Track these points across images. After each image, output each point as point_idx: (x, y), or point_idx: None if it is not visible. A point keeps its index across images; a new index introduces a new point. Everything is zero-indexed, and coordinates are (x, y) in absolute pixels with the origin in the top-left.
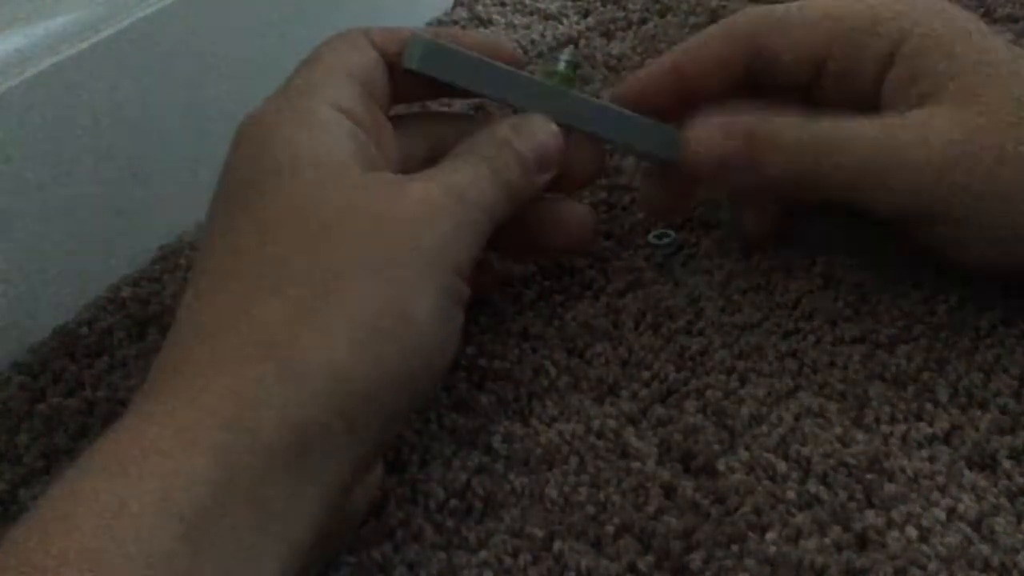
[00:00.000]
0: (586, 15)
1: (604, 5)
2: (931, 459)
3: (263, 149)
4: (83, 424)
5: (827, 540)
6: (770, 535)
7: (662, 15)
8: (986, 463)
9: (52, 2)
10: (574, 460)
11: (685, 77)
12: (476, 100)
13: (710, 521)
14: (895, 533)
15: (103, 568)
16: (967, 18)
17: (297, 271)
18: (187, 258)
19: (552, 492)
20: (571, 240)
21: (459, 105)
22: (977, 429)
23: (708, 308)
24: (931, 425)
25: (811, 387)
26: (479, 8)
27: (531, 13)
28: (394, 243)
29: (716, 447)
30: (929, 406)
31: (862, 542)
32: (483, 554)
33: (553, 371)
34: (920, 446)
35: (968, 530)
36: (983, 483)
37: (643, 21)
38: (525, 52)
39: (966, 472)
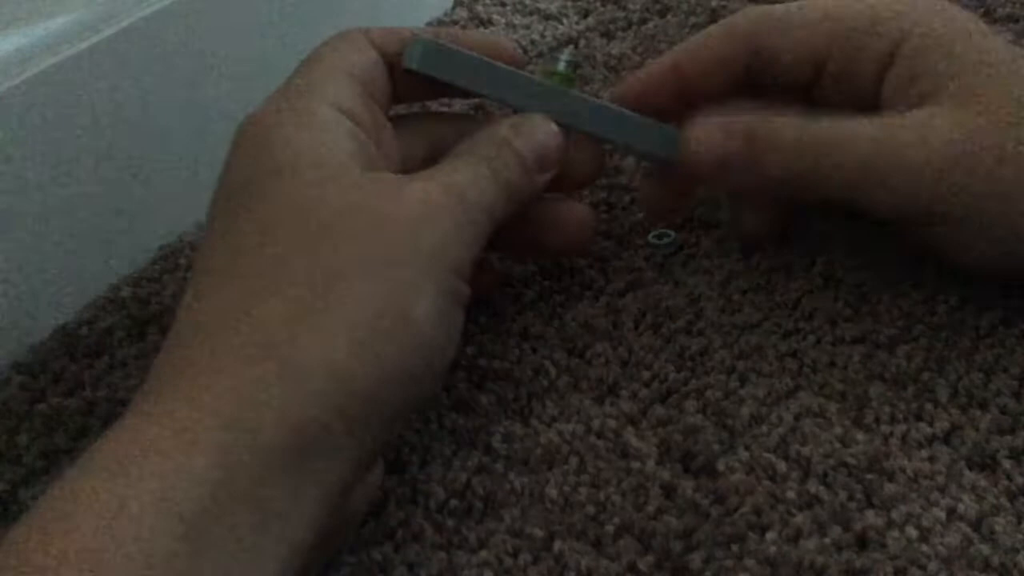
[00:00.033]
0: (586, 15)
1: (604, 5)
2: (931, 459)
3: (263, 149)
4: (83, 424)
5: (827, 540)
6: (770, 535)
7: (662, 15)
8: (986, 463)
9: (52, 2)
10: (574, 460)
11: (685, 77)
12: (476, 100)
13: (710, 521)
14: (895, 533)
15: (103, 568)
16: (967, 18)
17: (297, 271)
18: (187, 258)
19: (552, 492)
20: (571, 240)
21: (459, 105)
22: (977, 429)
23: (708, 308)
24: (931, 425)
25: (811, 387)
26: (479, 8)
27: (531, 13)
28: (394, 243)
29: (716, 447)
30: (929, 406)
31: (862, 542)
32: (483, 554)
33: (553, 371)
34: (920, 446)
35: (968, 530)
36: (983, 483)
37: (643, 21)
38: (525, 52)
39: (966, 472)
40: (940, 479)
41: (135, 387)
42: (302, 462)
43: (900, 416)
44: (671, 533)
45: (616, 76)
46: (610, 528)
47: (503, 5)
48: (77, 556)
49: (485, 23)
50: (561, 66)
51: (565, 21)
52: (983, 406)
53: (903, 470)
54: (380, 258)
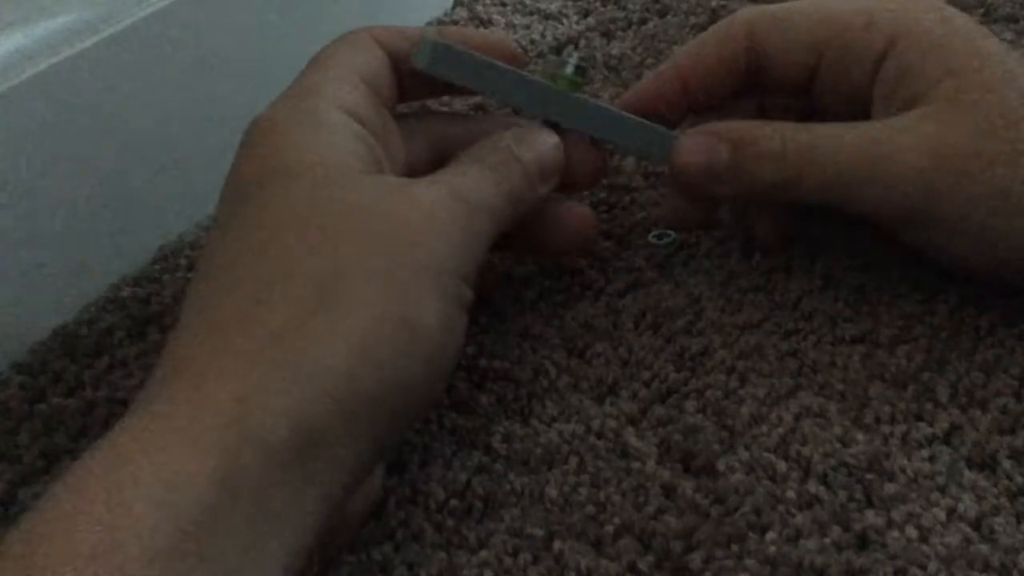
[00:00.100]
0: (586, 15)
1: (604, 5)
2: (931, 459)
3: (270, 151)
4: (83, 424)
5: (827, 540)
6: (770, 535)
7: (662, 15)
8: (986, 463)
9: (52, 2)
10: (574, 460)
11: (688, 81)
12: (476, 100)
13: (710, 521)
14: (895, 533)
15: (103, 568)
16: (963, 19)
17: (301, 273)
18: (187, 258)
19: (552, 492)
20: (571, 241)
21: (459, 104)
22: (977, 429)
23: (708, 308)
24: (931, 425)
25: (811, 387)
26: (479, 8)
27: (531, 13)
28: (400, 247)
29: (716, 447)
30: (929, 406)
31: (862, 542)
32: (483, 554)
33: (553, 371)
34: (920, 446)
35: (968, 530)
36: (983, 483)
37: (643, 21)
38: (525, 52)
39: (966, 472)
40: (940, 479)
41: (135, 387)
42: (303, 463)
43: (900, 416)
44: (671, 533)
45: (616, 76)
46: (610, 528)
47: (503, 5)
48: (77, 556)
49: (485, 23)
50: (569, 69)
51: (565, 21)
52: (983, 406)
53: (903, 470)
54: (385, 261)
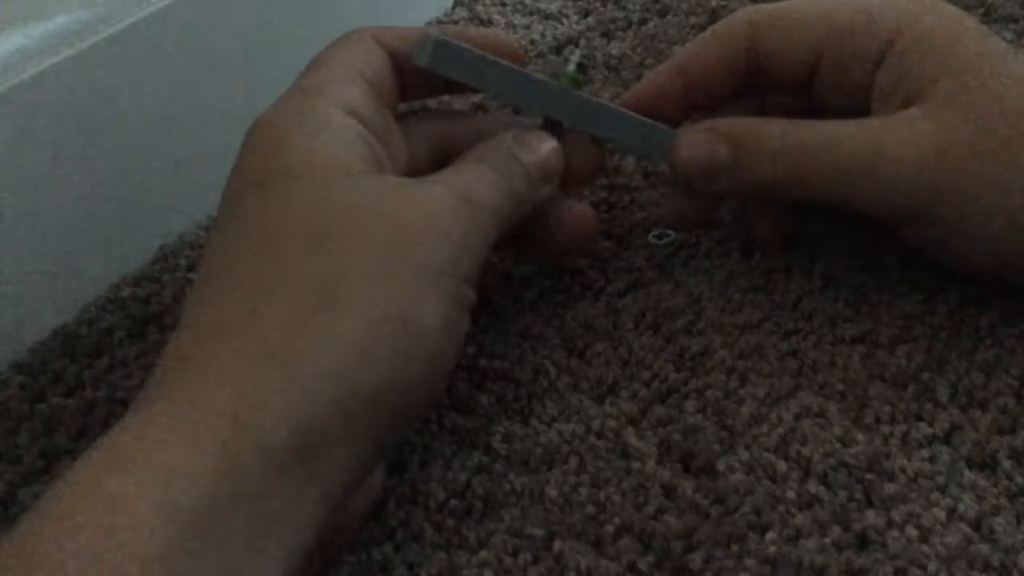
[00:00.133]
0: (586, 15)
1: (604, 5)
2: (931, 459)
3: (273, 151)
4: (83, 424)
5: (827, 540)
6: (770, 535)
7: (662, 15)
8: (986, 463)
9: (52, 2)
10: (574, 460)
11: (688, 81)
12: (477, 98)
13: (710, 521)
14: (895, 533)
15: (103, 568)
16: (963, 18)
17: (302, 273)
18: (187, 258)
19: (552, 492)
20: (572, 240)
21: (459, 104)
22: (977, 429)
23: (708, 308)
24: (931, 425)
25: (811, 387)
26: (479, 8)
27: (531, 13)
28: (402, 247)
29: (716, 447)
30: (929, 406)
31: (862, 542)
32: (483, 554)
33: (553, 371)
34: (920, 446)
35: (968, 530)
36: (983, 483)
37: (643, 21)
38: (525, 52)
39: (966, 472)
40: (940, 479)
41: (135, 387)
42: (303, 463)
43: (900, 416)
44: (671, 533)
45: (616, 76)
46: (610, 528)
47: (503, 5)
48: (77, 555)
49: (485, 23)
50: (571, 67)
51: (565, 21)
52: (983, 406)
53: (903, 470)
54: (386, 261)
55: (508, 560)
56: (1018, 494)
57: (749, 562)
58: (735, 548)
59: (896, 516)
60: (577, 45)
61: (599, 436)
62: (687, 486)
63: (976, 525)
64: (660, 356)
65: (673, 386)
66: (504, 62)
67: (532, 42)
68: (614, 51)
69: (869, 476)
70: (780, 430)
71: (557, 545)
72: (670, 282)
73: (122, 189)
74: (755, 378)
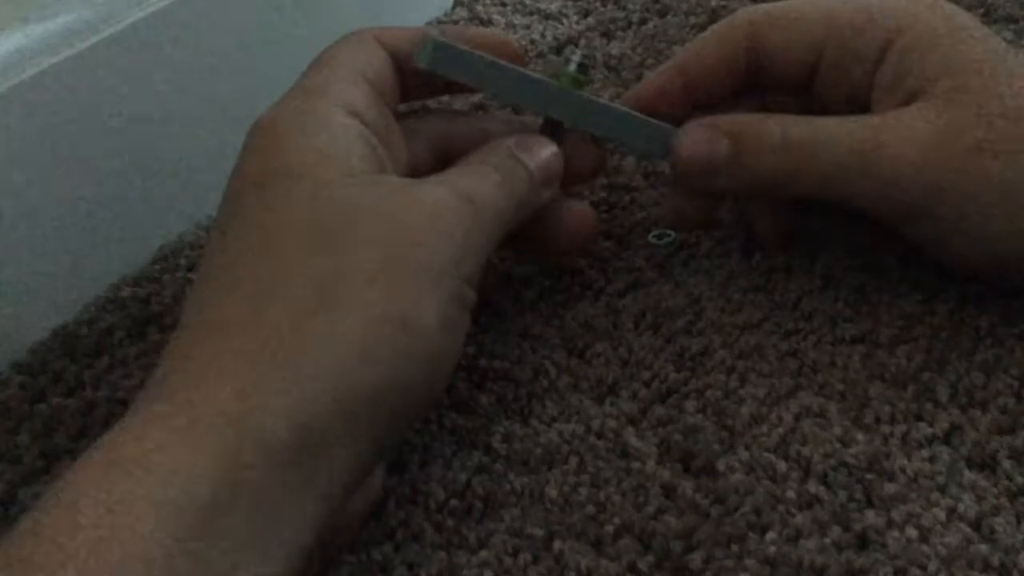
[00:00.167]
0: (586, 15)
1: (604, 5)
2: (931, 459)
3: (274, 151)
4: (83, 424)
5: (827, 540)
6: (770, 535)
7: (662, 15)
8: (986, 463)
9: (52, 2)
10: (574, 460)
11: (689, 80)
12: (477, 98)
13: (710, 521)
14: (895, 533)
15: (103, 567)
16: (963, 17)
17: (303, 273)
18: (187, 258)
19: (552, 492)
20: (572, 240)
21: (459, 104)
22: (977, 429)
23: (708, 308)
24: (931, 425)
25: (811, 387)
26: (479, 8)
27: (531, 13)
28: (402, 247)
29: (716, 447)
30: (929, 406)
31: (862, 542)
32: (483, 554)
33: (553, 371)
34: (920, 446)
35: (968, 530)
36: (983, 483)
37: (643, 21)
38: (525, 52)
39: (966, 472)
40: (940, 479)
41: (135, 387)
42: (303, 463)
43: (900, 416)
44: (671, 533)
45: (616, 76)
46: (610, 528)
47: (503, 5)
48: (77, 556)
49: (485, 23)
50: (572, 67)
51: (565, 21)
52: (983, 406)
53: (903, 470)
54: (387, 262)
55: (508, 560)
56: (1018, 494)
57: (749, 562)
58: (735, 548)
59: (896, 516)
60: (577, 45)
61: (599, 436)
62: (687, 486)
63: (976, 525)
64: (660, 356)
65: (673, 386)
66: (504, 62)
67: (532, 42)
68: (614, 51)
69: (869, 476)
70: (780, 430)
71: (557, 545)
72: (670, 282)
73: (122, 189)
74: (755, 378)
